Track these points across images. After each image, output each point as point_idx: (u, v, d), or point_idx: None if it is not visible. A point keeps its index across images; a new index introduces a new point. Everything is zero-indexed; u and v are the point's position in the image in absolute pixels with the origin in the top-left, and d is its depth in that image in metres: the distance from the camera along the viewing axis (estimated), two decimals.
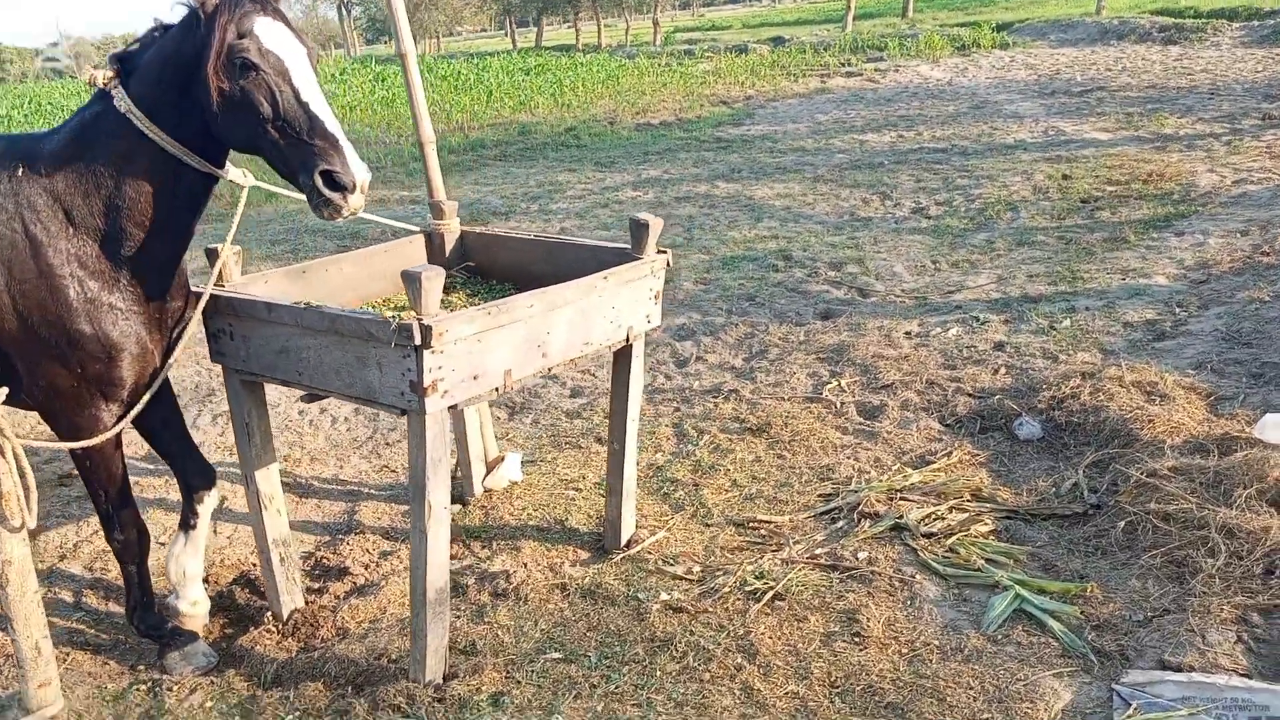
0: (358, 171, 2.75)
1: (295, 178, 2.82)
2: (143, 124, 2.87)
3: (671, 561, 3.88)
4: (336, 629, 3.68)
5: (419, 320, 2.76)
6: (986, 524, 3.96)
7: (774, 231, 9.16)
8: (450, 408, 3.00)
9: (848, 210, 9.83)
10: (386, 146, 17.20)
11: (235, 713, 3.27)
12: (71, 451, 3.23)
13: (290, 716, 3.20)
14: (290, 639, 3.66)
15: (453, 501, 4.48)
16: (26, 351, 3.07)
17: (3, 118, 25.82)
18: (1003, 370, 5.47)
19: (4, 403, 2.97)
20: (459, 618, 3.62)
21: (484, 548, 4.18)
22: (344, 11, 77.29)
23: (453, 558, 4.11)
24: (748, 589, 3.61)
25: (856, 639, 3.32)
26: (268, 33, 2.76)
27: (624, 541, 4.01)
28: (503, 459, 4.63)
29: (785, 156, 13.18)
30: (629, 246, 3.57)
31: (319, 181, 2.74)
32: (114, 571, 4.06)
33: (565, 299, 3.19)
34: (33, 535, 3.58)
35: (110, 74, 2.91)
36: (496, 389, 3.09)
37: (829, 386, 5.45)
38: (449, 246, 4.19)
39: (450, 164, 15.18)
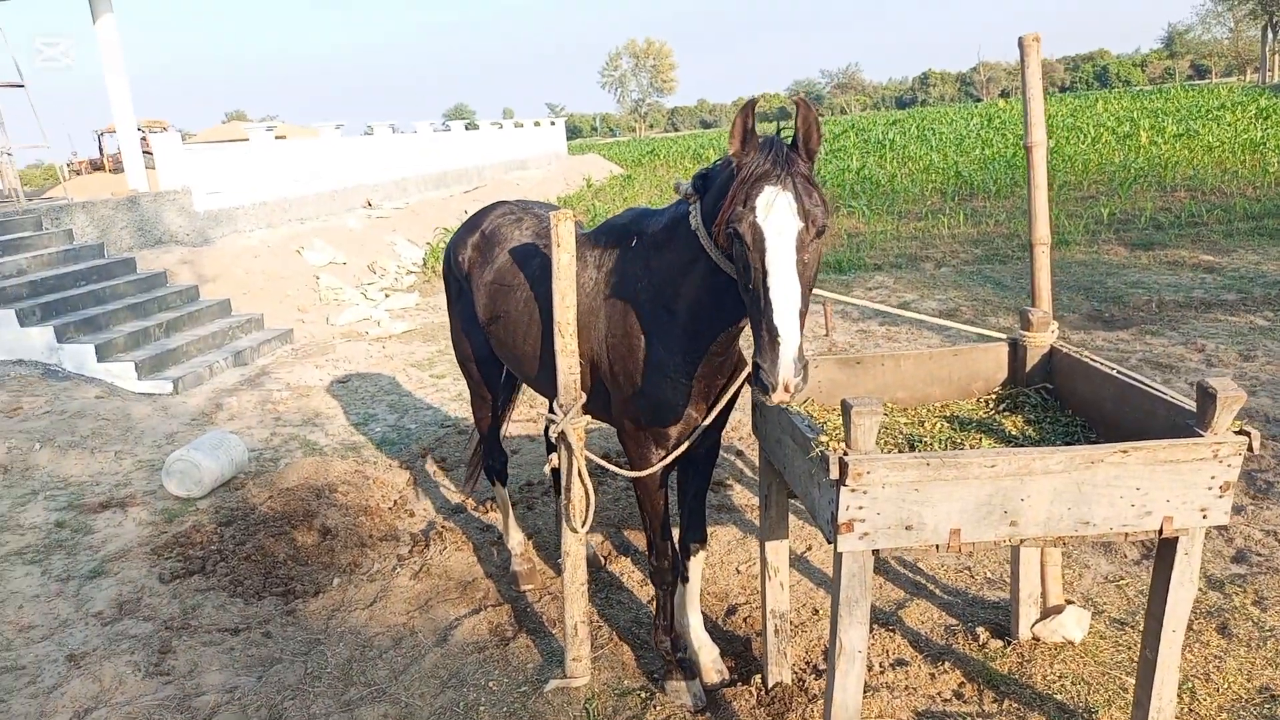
0: (782, 374, 2.58)
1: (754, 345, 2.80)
2: (704, 241, 3.16)
3: None
4: (803, 719, 3.69)
5: (841, 455, 2.63)
6: None
7: None
8: (875, 552, 2.77)
9: None
10: (1218, 199, 15.18)
11: None
12: (633, 480, 3.86)
13: None
14: (762, 708, 3.79)
15: (995, 636, 4.09)
16: (611, 387, 3.76)
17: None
18: None
19: (586, 410, 3.71)
20: None
21: (993, 700, 3.70)
22: (1270, 33, 69.08)
23: (953, 696, 3.76)
24: None
25: None
26: (765, 206, 2.71)
27: None
28: (1062, 609, 3.98)
29: None
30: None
31: (754, 369, 2.70)
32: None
33: (1044, 467, 2.64)
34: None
35: (690, 190, 3.29)
36: (937, 546, 2.75)
37: None
38: (1031, 362, 3.73)
39: None
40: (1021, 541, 2.78)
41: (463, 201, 22.54)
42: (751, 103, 2.82)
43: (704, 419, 3.63)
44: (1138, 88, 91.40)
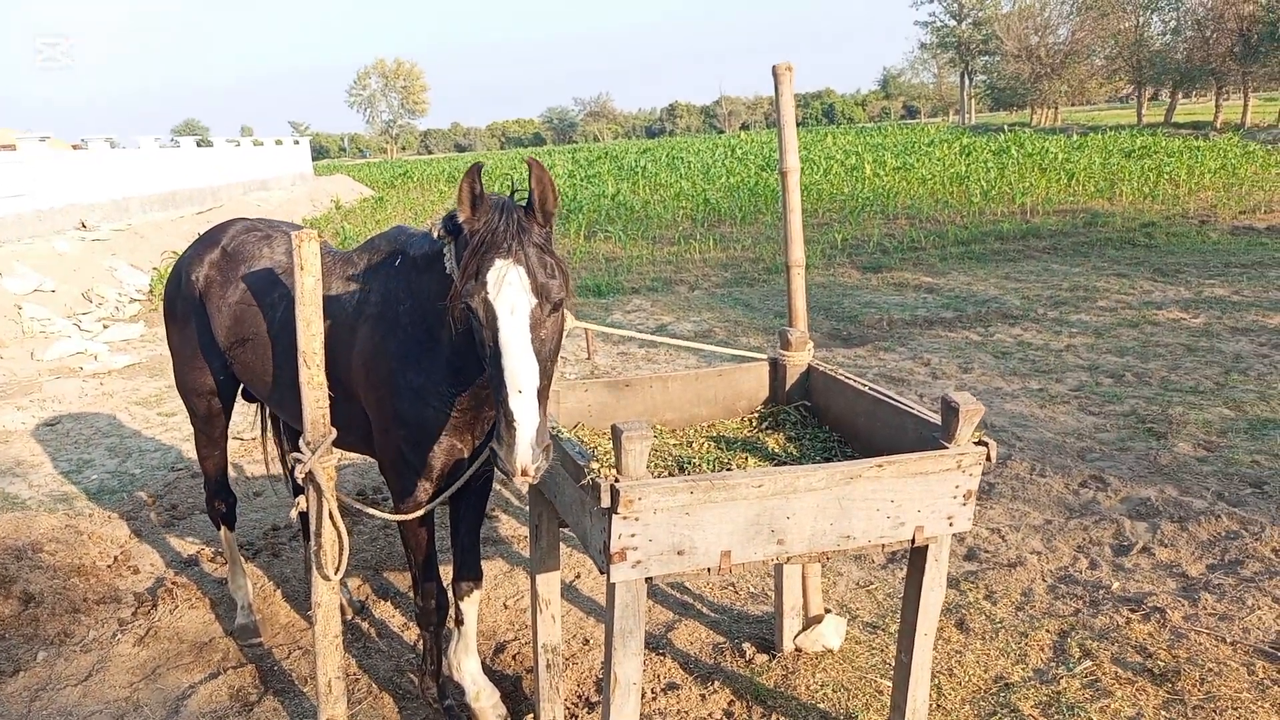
0: (519, 461, 2.48)
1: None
2: (457, 280, 2.88)
3: None
4: None
5: (611, 482, 2.53)
6: None
7: None
8: (647, 579, 2.70)
9: None
10: (933, 226, 16.79)
11: None
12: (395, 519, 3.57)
13: None
14: None
15: (761, 650, 4.14)
16: (371, 413, 3.47)
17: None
18: None
19: (338, 443, 3.40)
20: None
21: (762, 715, 3.74)
22: (966, 79, 77.76)
23: (724, 716, 3.76)
24: None
25: None
26: (496, 282, 2.57)
27: None
28: (821, 619, 4.11)
29: None
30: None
31: (491, 454, 2.59)
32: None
33: (808, 484, 2.68)
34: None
35: (442, 230, 3.03)
36: (709, 569, 2.72)
37: None
38: (790, 380, 3.84)
39: (992, 251, 14.33)
40: (788, 559, 2.81)
41: (194, 223, 20.86)
42: (476, 167, 2.68)
43: (473, 453, 3.43)
44: (860, 124, 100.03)
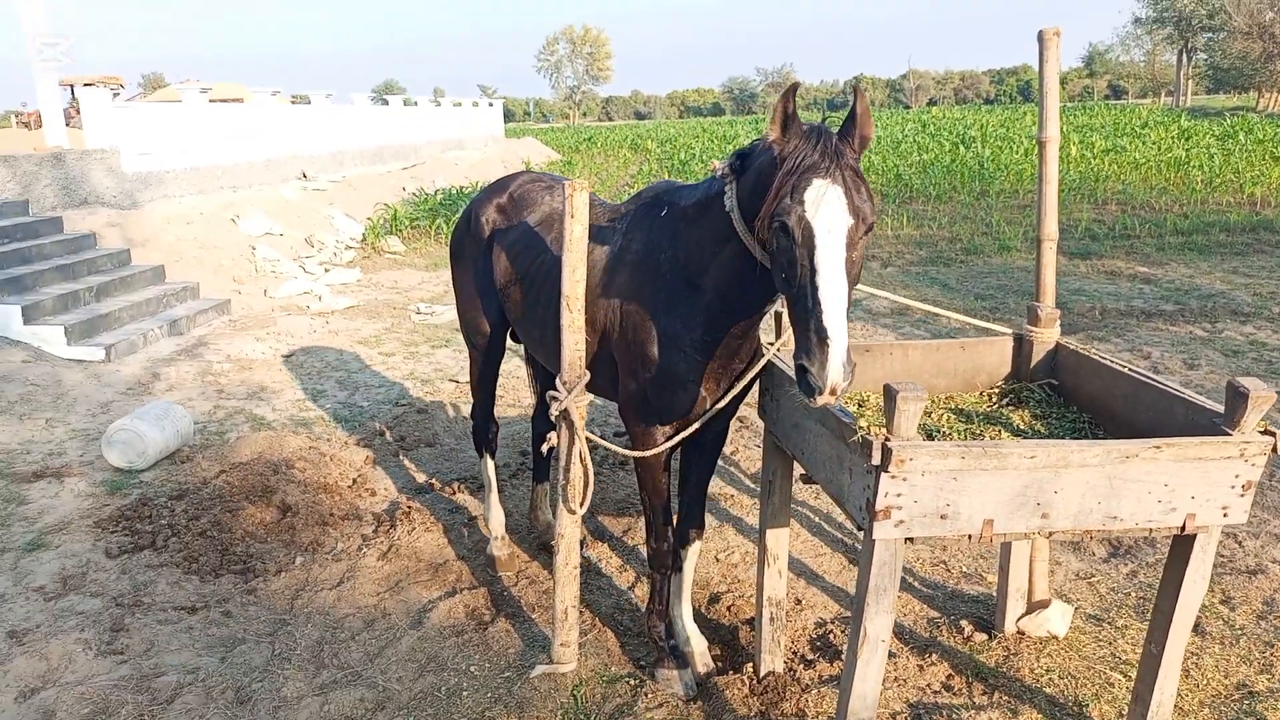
0: (831, 378, 2.49)
1: (795, 345, 2.69)
2: (738, 224, 3.05)
3: None
4: (798, 709, 3.65)
5: (884, 440, 2.58)
6: None
7: None
8: (907, 540, 2.74)
9: None
10: (1147, 213, 15.74)
11: None
12: (636, 460, 3.75)
13: None
14: (756, 698, 3.75)
15: (979, 629, 4.11)
16: (619, 358, 3.64)
17: None
18: None
19: (589, 388, 3.60)
20: None
21: (982, 692, 3.72)
22: (1184, 58, 72.04)
23: (943, 688, 3.77)
24: None
25: None
26: (815, 201, 2.58)
27: None
28: (1047, 604, 4.03)
29: None
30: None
31: (798, 372, 2.59)
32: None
33: (1081, 460, 2.64)
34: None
35: (726, 169, 3.15)
36: (969, 536, 2.73)
37: None
38: (1036, 357, 3.75)
39: (1217, 244, 13.35)
40: (1050, 535, 2.78)
41: (401, 178, 22.05)
42: (794, 87, 2.73)
43: (715, 401, 3.55)
44: (1060, 105, 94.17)
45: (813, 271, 2.56)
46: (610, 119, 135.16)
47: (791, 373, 3.24)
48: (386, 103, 26.79)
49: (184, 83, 22.35)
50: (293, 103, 21.73)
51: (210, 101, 17.18)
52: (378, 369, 8.53)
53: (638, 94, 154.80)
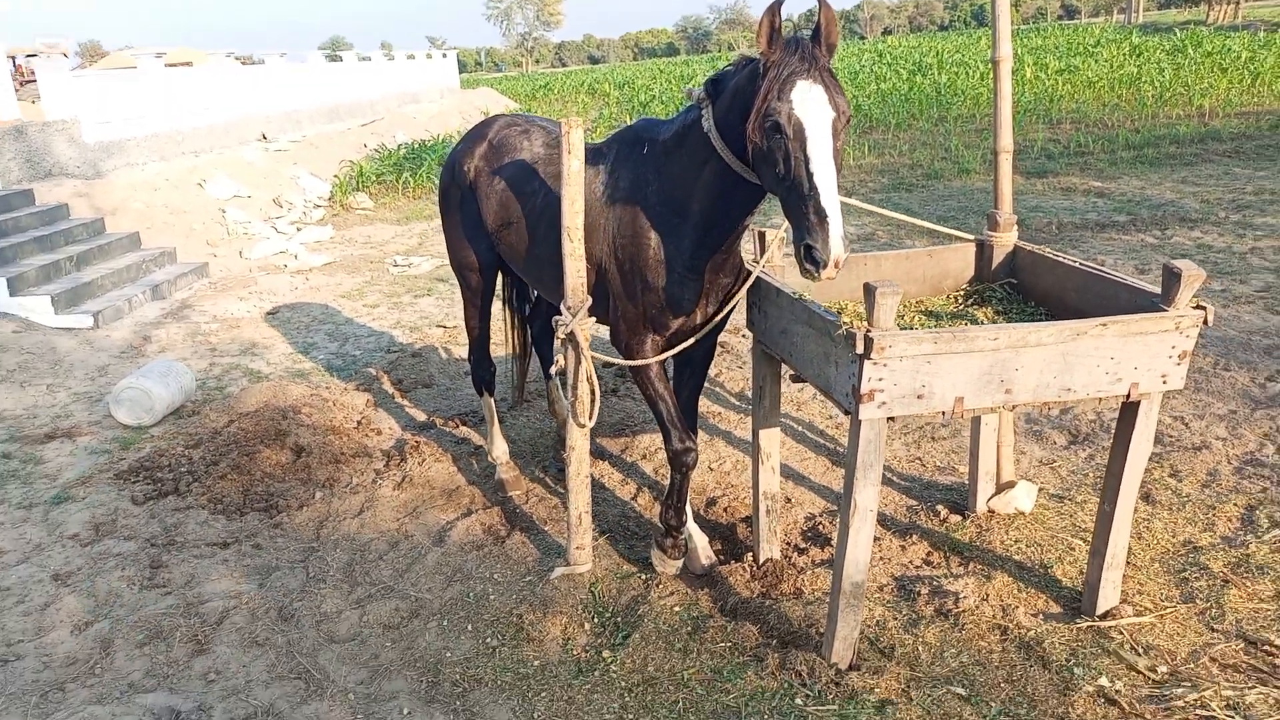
0: (834, 250, 2.82)
1: (794, 231, 3.02)
2: (716, 143, 3.36)
3: (1139, 650, 3.41)
4: (795, 588, 4.04)
5: (866, 331, 2.92)
6: None
7: None
8: (889, 420, 3.10)
9: None
10: (1101, 130, 16.14)
11: (689, 624, 3.87)
12: (631, 369, 4.05)
13: (724, 643, 3.70)
14: (757, 582, 4.13)
15: (953, 512, 4.51)
16: (615, 286, 3.94)
17: None
18: None
19: (590, 315, 3.90)
20: (894, 620, 3.72)
21: (959, 564, 4.13)
22: None
23: (923, 563, 4.17)
24: (1207, 714, 3.04)
25: None
26: (802, 98, 2.91)
27: (1099, 611, 3.62)
28: (1014, 484, 4.44)
29: None
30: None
31: (801, 252, 2.92)
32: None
33: (1038, 339, 3.00)
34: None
35: (704, 95, 3.47)
36: (943, 413, 3.09)
37: None
38: (996, 260, 4.10)
39: (1167, 156, 13.78)
40: (1013, 407, 3.15)
41: (361, 135, 21.96)
42: (778, 3, 3.01)
43: (700, 318, 3.86)
44: (1013, 26, 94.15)
45: (806, 160, 2.90)
46: (564, 65, 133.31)
47: (777, 285, 3.58)
48: (341, 59, 26.48)
49: (126, 49, 21.96)
50: (246, 64, 21.46)
51: (167, 66, 16.99)
52: (364, 320, 8.76)
53: (590, 38, 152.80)
